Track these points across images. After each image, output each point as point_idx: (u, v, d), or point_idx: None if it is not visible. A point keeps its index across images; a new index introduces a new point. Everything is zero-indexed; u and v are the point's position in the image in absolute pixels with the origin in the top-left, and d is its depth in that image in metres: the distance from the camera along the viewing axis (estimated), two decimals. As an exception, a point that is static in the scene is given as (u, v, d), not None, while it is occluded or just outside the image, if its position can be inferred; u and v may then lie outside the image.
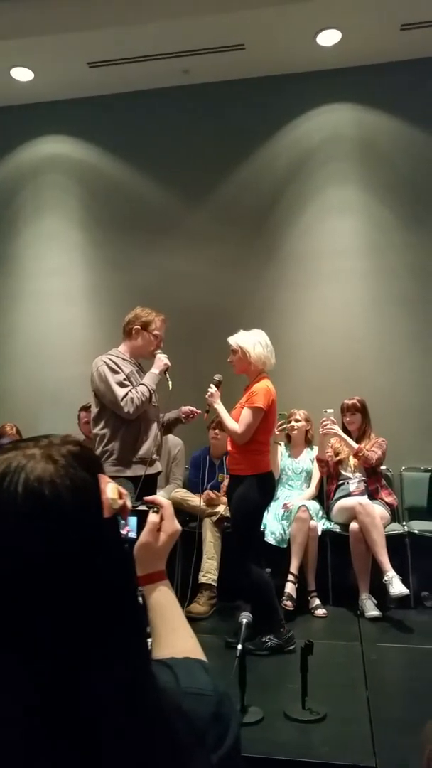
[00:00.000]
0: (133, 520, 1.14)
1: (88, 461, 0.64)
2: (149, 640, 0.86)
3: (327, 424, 3.86)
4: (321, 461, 4.07)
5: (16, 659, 0.55)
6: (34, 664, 0.55)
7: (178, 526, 1.01)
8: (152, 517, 1.00)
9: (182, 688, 0.69)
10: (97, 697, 0.57)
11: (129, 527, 1.15)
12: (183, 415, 3.29)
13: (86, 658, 0.57)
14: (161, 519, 1.00)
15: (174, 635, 0.92)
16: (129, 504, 0.73)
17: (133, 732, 0.58)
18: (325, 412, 3.89)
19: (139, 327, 3.14)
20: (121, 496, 0.67)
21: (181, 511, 3.97)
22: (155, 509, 1.01)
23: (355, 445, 3.90)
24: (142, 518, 1.07)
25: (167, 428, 3.39)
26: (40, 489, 0.58)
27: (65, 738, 0.55)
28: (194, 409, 3.27)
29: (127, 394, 2.97)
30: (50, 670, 0.55)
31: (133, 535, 1.12)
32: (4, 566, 0.56)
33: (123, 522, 0.73)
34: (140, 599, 1.01)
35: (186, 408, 3.28)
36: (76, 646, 0.57)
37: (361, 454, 3.88)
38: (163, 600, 0.95)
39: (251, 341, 3.14)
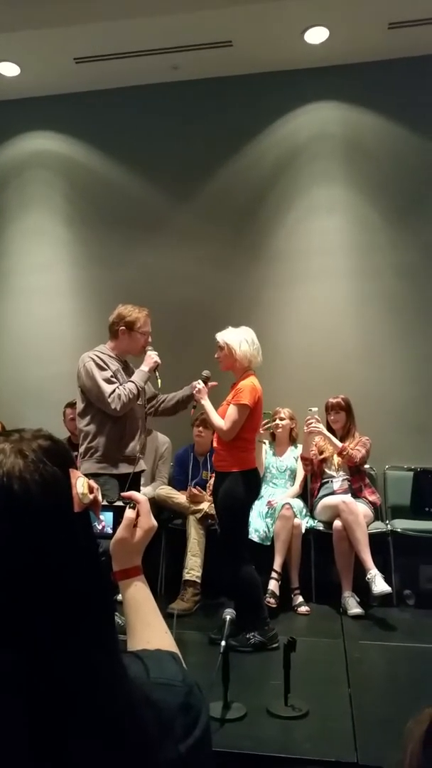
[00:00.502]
0: (109, 516, 1.14)
1: (59, 456, 0.64)
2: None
3: (312, 423, 3.87)
4: (305, 460, 4.08)
5: None
6: (7, 654, 0.55)
7: (154, 523, 1.02)
8: (129, 513, 1.00)
9: (152, 679, 0.70)
10: (66, 686, 0.57)
11: (105, 523, 1.15)
12: (195, 391, 3.24)
13: (56, 649, 0.57)
14: (137, 515, 1.01)
15: (148, 629, 0.93)
16: (100, 498, 0.73)
17: (101, 721, 0.59)
18: (310, 410, 3.90)
19: (124, 328, 3.12)
20: (91, 490, 0.67)
21: (166, 508, 3.97)
22: (132, 505, 1.02)
23: (339, 444, 3.92)
24: (118, 514, 1.07)
25: (174, 408, 3.31)
26: (9, 484, 0.58)
27: (34, 729, 0.55)
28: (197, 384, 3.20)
29: (114, 391, 2.95)
30: (22, 660, 0.55)
31: (109, 530, 1.12)
32: None
33: (96, 518, 0.73)
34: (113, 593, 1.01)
35: (196, 383, 3.23)
36: (46, 638, 0.57)
37: (345, 453, 3.90)
38: (138, 595, 0.96)
39: (238, 339, 3.14)
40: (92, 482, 0.69)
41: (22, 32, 4.19)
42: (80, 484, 0.65)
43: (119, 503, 1.07)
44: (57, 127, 4.92)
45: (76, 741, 0.57)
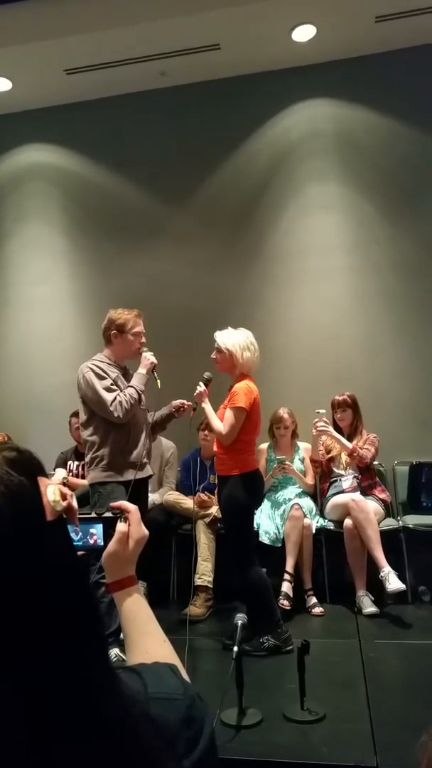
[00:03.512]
0: (99, 528, 1.12)
1: (25, 465, 0.62)
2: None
3: (320, 425, 3.84)
4: (314, 462, 4.05)
5: None
6: None
7: (145, 532, 1.00)
8: (120, 527, 0.99)
9: (150, 694, 0.67)
10: (51, 708, 0.55)
11: (96, 536, 1.13)
12: (174, 409, 3.25)
13: (43, 669, 0.55)
14: (128, 525, 0.99)
15: (147, 640, 0.91)
16: (75, 504, 0.72)
17: (97, 742, 0.56)
18: (318, 412, 3.86)
19: (116, 331, 3.11)
20: (64, 497, 0.65)
21: (175, 514, 3.95)
22: (122, 516, 1.00)
23: (349, 445, 3.88)
24: (108, 525, 1.05)
25: (161, 425, 3.34)
26: None
27: (27, 752, 0.53)
28: (184, 402, 3.23)
29: (115, 399, 2.95)
30: (6, 683, 0.53)
31: (100, 542, 1.10)
32: None
33: (74, 525, 0.71)
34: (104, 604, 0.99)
35: (176, 402, 3.24)
36: (31, 658, 0.55)
37: (355, 454, 3.87)
38: (134, 606, 0.94)
39: (241, 345, 3.10)
40: (65, 489, 0.67)
41: (12, 47, 4.20)
42: (51, 491, 0.63)
43: (108, 514, 1.05)
44: (51, 139, 4.94)
45: (71, 761, 0.55)
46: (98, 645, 0.63)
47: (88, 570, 0.66)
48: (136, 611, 0.93)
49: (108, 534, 1.00)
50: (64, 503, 0.64)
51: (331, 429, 3.88)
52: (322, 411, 3.88)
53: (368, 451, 3.87)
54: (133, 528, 0.98)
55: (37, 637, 0.55)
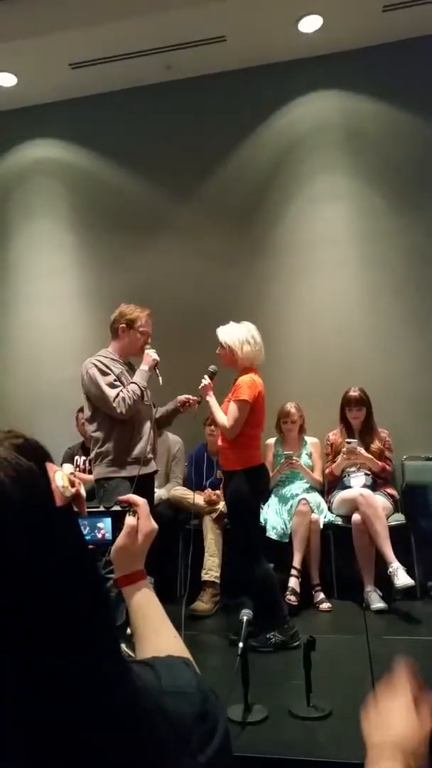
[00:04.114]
0: (108, 522, 1.11)
1: (32, 451, 0.62)
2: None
3: (355, 450, 3.80)
4: (332, 476, 4.01)
5: None
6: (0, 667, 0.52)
7: (154, 525, 0.98)
8: (129, 520, 0.97)
9: (164, 688, 0.66)
10: (66, 699, 0.53)
11: (104, 530, 1.12)
12: (179, 404, 3.24)
13: (53, 657, 0.54)
14: (137, 519, 0.97)
15: (156, 635, 0.89)
16: (83, 492, 0.71)
17: (109, 736, 0.55)
18: (348, 442, 3.82)
19: (125, 325, 3.11)
20: (72, 483, 0.65)
21: (182, 509, 3.94)
22: (131, 510, 0.98)
23: (379, 464, 3.88)
24: (117, 519, 1.04)
25: (167, 420, 3.33)
26: None
27: (37, 747, 0.52)
28: (190, 397, 3.22)
29: (118, 395, 2.94)
30: (16, 672, 0.52)
31: (108, 536, 1.09)
32: None
33: (81, 512, 0.70)
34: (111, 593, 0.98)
35: (182, 397, 3.23)
36: (40, 645, 0.54)
37: (383, 473, 3.89)
38: (144, 601, 0.93)
39: (240, 339, 3.10)
40: (73, 476, 0.67)
41: (17, 41, 4.19)
42: (59, 477, 0.63)
43: (117, 508, 1.04)
44: (56, 134, 4.93)
45: (82, 759, 0.54)
46: (109, 633, 0.62)
47: (96, 557, 0.65)
48: (146, 606, 0.92)
49: (117, 528, 0.98)
50: (73, 489, 0.63)
51: (363, 452, 3.85)
52: (355, 441, 3.85)
53: (390, 463, 3.93)
54: (142, 522, 0.97)
55: (45, 624, 0.54)
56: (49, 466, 0.63)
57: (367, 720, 0.77)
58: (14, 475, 0.57)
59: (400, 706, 0.76)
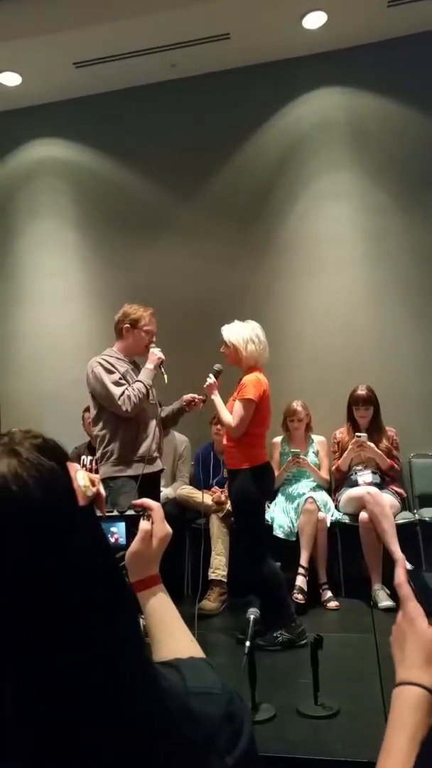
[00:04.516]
0: (121, 526, 1.10)
1: (53, 451, 0.61)
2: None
3: (364, 444, 3.80)
4: (339, 472, 4.00)
5: (6, 666, 0.52)
6: (27, 668, 0.52)
7: (168, 529, 0.98)
8: (144, 525, 0.96)
9: (190, 689, 0.65)
10: (92, 699, 0.53)
11: (117, 534, 1.11)
12: (185, 403, 3.24)
13: (77, 658, 0.53)
14: (152, 523, 0.97)
15: (173, 639, 0.89)
16: (103, 491, 0.70)
17: (134, 735, 0.55)
18: (358, 436, 3.83)
19: (129, 325, 3.12)
20: (93, 483, 0.64)
21: (188, 508, 3.94)
22: (145, 514, 0.97)
23: (388, 461, 3.87)
24: (131, 523, 1.03)
25: (173, 420, 3.34)
26: (6, 485, 0.55)
27: (62, 747, 0.52)
28: (196, 396, 3.22)
29: (123, 393, 2.94)
30: (43, 671, 0.52)
31: (122, 541, 1.08)
32: None
33: (101, 512, 0.70)
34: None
35: (187, 396, 3.24)
36: (65, 647, 0.53)
37: (391, 472, 3.89)
38: (159, 605, 0.92)
39: (244, 338, 3.09)
40: (93, 475, 0.66)
41: (21, 40, 4.19)
42: (81, 476, 0.63)
43: (131, 512, 1.03)
44: (61, 133, 4.93)
45: (109, 758, 0.53)
46: (135, 633, 0.61)
47: (117, 558, 0.65)
48: (162, 610, 0.91)
49: (131, 533, 0.98)
50: (94, 489, 0.63)
51: (372, 446, 3.84)
52: (363, 435, 3.85)
53: (398, 461, 3.93)
54: (157, 526, 0.96)
55: (71, 625, 0.54)
56: (71, 465, 0.63)
57: (394, 647, 0.84)
58: (37, 476, 0.57)
59: (413, 629, 0.82)
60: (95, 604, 0.56)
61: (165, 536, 0.96)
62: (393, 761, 0.70)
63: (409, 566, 3.35)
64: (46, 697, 0.52)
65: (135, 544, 0.94)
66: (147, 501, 0.98)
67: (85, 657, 0.54)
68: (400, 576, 0.89)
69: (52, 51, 4.29)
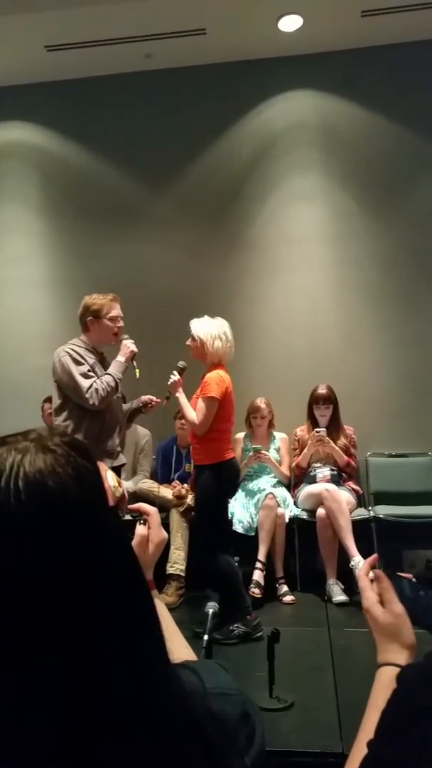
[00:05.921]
0: None
1: (83, 449, 0.60)
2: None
3: (322, 438, 3.89)
4: (300, 468, 4.06)
5: (38, 666, 0.51)
6: (61, 665, 0.51)
7: (164, 534, 0.99)
8: (141, 530, 0.96)
9: (208, 690, 0.66)
10: (118, 700, 0.53)
11: None
12: (142, 404, 3.20)
13: (105, 658, 0.53)
14: (148, 529, 0.97)
15: (170, 645, 0.90)
16: (126, 492, 0.71)
17: (161, 737, 0.55)
18: (317, 431, 3.91)
19: (91, 318, 3.03)
20: (120, 484, 0.65)
21: (148, 502, 3.93)
22: (142, 520, 0.98)
23: (345, 458, 3.95)
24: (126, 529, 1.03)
25: (129, 418, 3.31)
26: (44, 482, 0.54)
27: (87, 751, 0.51)
28: (153, 398, 3.19)
29: (91, 386, 2.88)
30: (72, 673, 0.51)
31: None
32: (14, 573, 0.51)
33: (123, 513, 0.70)
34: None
35: (145, 397, 3.20)
36: (95, 646, 0.53)
37: (348, 468, 3.97)
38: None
39: (212, 334, 3.10)
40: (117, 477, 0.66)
41: (-10, 19, 4.08)
42: (110, 477, 0.64)
43: (128, 517, 1.03)
44: (29, 118, 4.82)
45: (136, 761, 0.53)
46: (159, 632, 0.61)
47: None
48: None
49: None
50: (121, 489, 0.64)
51: (330, 442, 3.92)
52: (322, 429, 3.93)
53: (355, 458, 4.02)
54: (154, 531, 0.96)
55: (102, 624, 0.53)
56: (100, 464, 0.62)
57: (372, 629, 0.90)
58: (73, 473, 0.56)
59: (372, 617, 0.89)
60: (124, 603, 0.56)
61: (161, 542, 0.97)
62: (365, 736, 0.73)
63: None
64: (74, 699, 0.51)
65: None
66: (144, 506, 0.98)
67: (113, 657, 0.53)
68: (363, 569, 0.95)
69: (22, 31, 4.19)
